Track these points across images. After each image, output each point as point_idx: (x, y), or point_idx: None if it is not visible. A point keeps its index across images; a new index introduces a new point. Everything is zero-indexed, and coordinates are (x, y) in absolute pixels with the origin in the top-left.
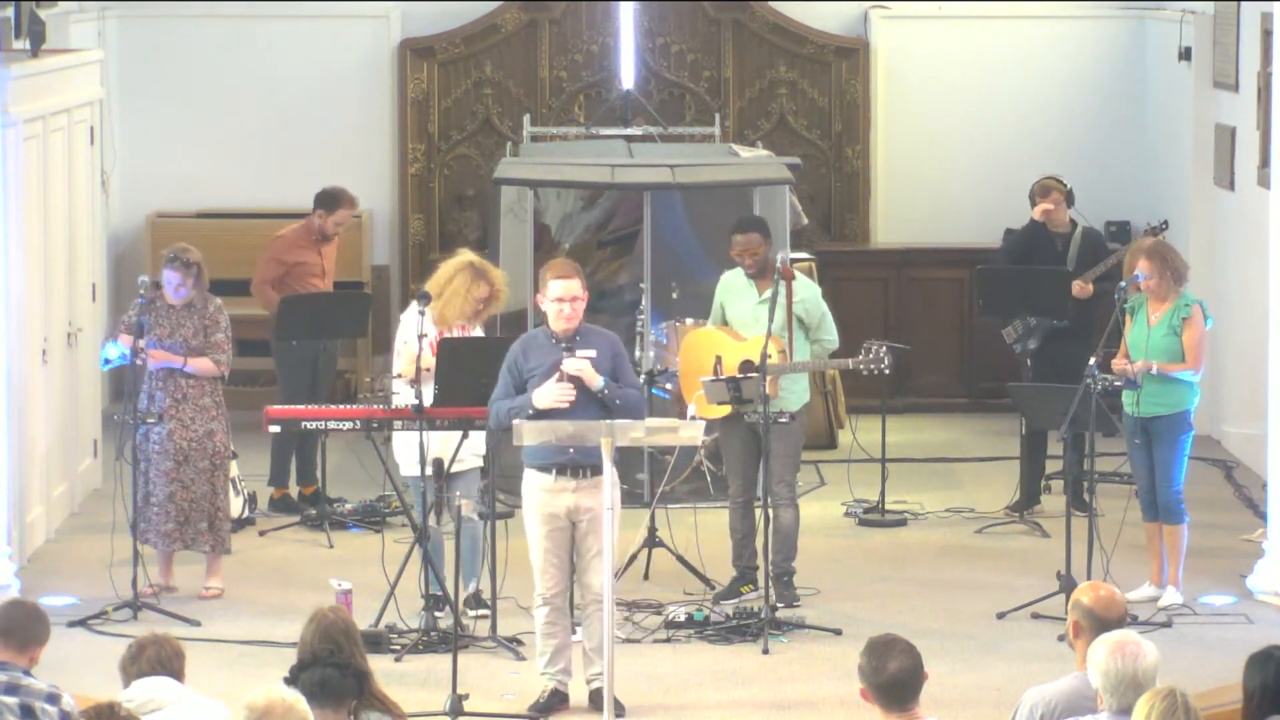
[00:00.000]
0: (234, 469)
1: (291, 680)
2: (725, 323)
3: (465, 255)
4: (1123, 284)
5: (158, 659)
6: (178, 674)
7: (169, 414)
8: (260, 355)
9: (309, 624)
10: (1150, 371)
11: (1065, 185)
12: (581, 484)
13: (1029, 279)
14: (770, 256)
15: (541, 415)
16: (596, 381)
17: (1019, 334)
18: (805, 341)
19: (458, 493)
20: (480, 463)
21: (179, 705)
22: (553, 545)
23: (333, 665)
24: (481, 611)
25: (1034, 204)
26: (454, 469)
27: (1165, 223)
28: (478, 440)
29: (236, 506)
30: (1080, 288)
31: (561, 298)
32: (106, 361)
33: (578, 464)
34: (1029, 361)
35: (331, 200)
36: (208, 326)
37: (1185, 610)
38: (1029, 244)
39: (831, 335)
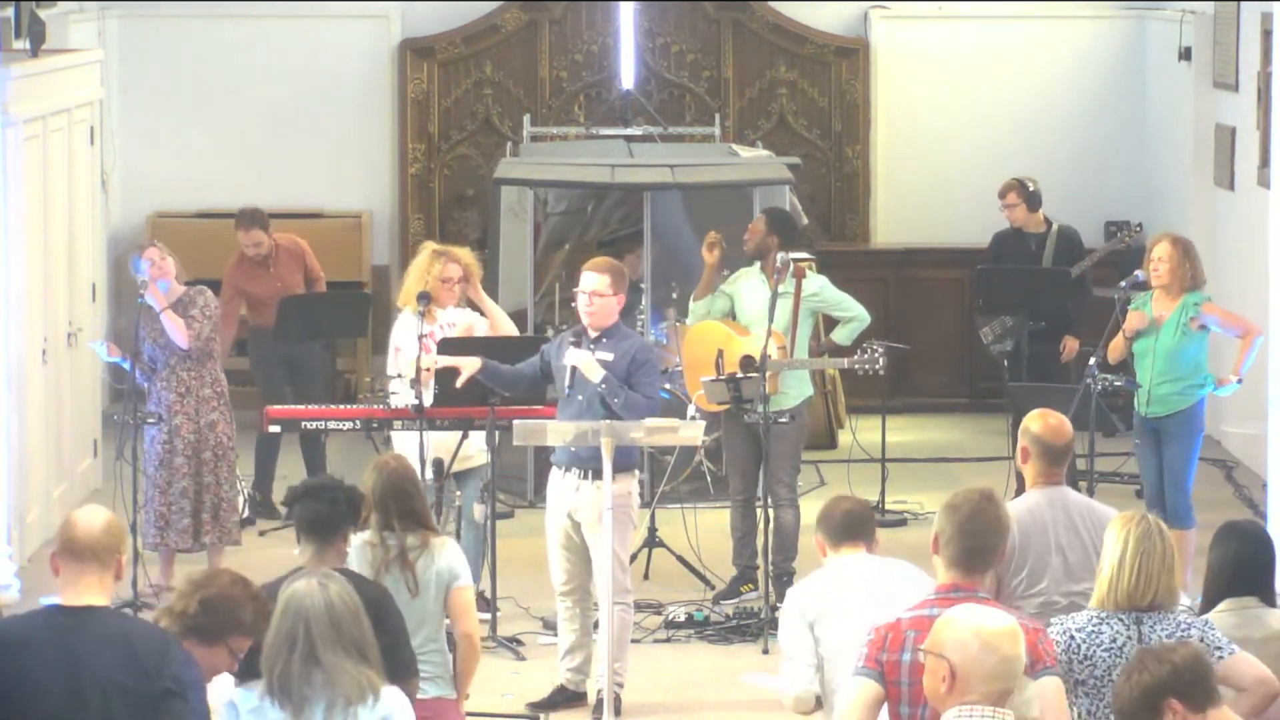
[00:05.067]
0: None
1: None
2: (733, 316)
3: (427, 244)
4: (1123, 284)
5: None
6: None
7: (174, 409)
8: None
9: (372, 472)
10: (1238, 380)
11: (1028, 185)
12: (583, 484)
13: (1029, 279)
14: (769, 251)
15: (557, 407)
16: (594, 375)
17: (995, 334)
18: (808, 338)
19: (457, 492)
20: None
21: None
22: (562, 540)
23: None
24: (483, 616)
25: (1001, 209)
26: (465, 465)
27: (1140, 225)
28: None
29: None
30: (1071, 347)
31: (583, 290)
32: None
33: (580, 464)
34: (1005, 362)
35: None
36: (186, 304)
37: (1192, 613)
38: (1005, 246)
39: (856, 311)
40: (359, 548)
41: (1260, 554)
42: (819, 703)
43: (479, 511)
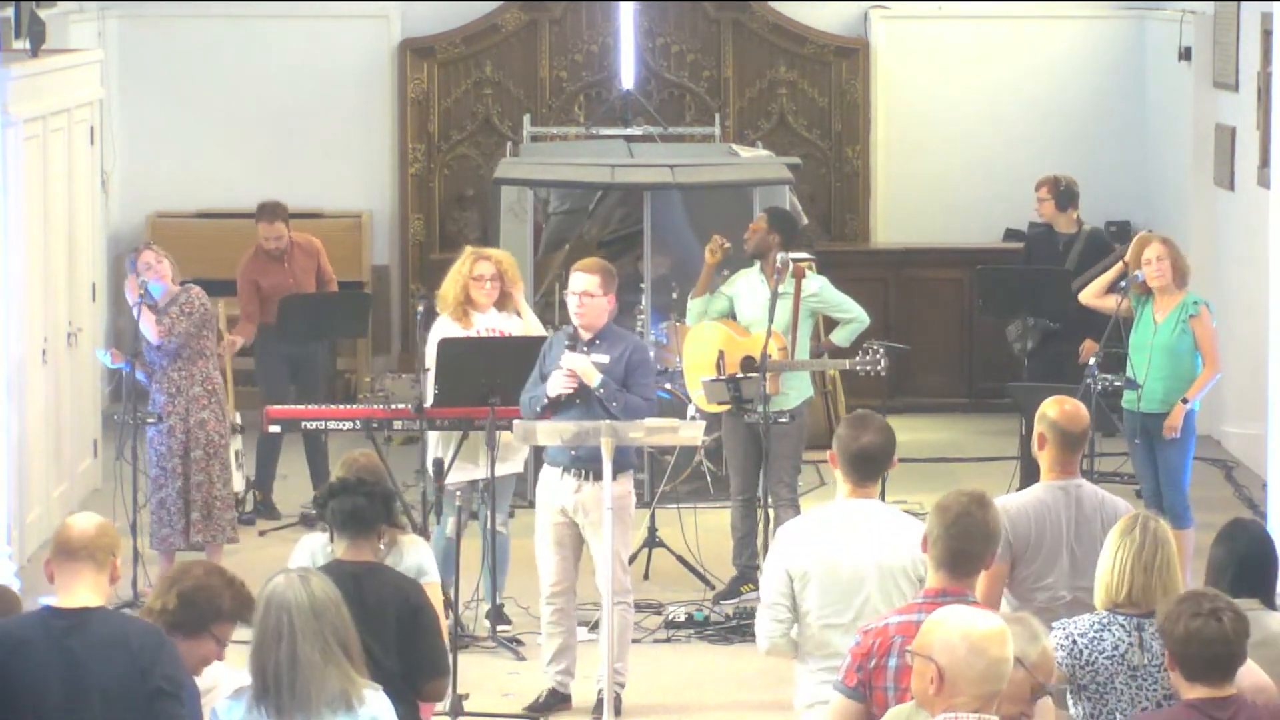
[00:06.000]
0: (237, 442)
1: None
2: (732, 317)
3: (467, 246)
4: (1122, 284)
5: None
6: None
7: (166, 410)
8: None
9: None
10: (1189, 407)
11: (1061, 183)
12: (584, 485)
13: (1029, 279)
14: (770, 250)
15: (554, 409)
16: (593, 379)
17: (1019, 333)
18: (808, 339)
19: (459, 496)
20: (520, 468)
21: (224, 684)
22: (555, 540)
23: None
24: (504, 627)
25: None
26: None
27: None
28: (518, 450)
29: (238, 483)
30: (1089, 348)
31: (573, 291)
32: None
33: (582, 464)
34: (1026, 361)
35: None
36: (168, 303)
37: None
38: (1035, 245)
39: (856, 312)
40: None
41: (1264, 555)
42: (795, 648)
43: (498, 519)
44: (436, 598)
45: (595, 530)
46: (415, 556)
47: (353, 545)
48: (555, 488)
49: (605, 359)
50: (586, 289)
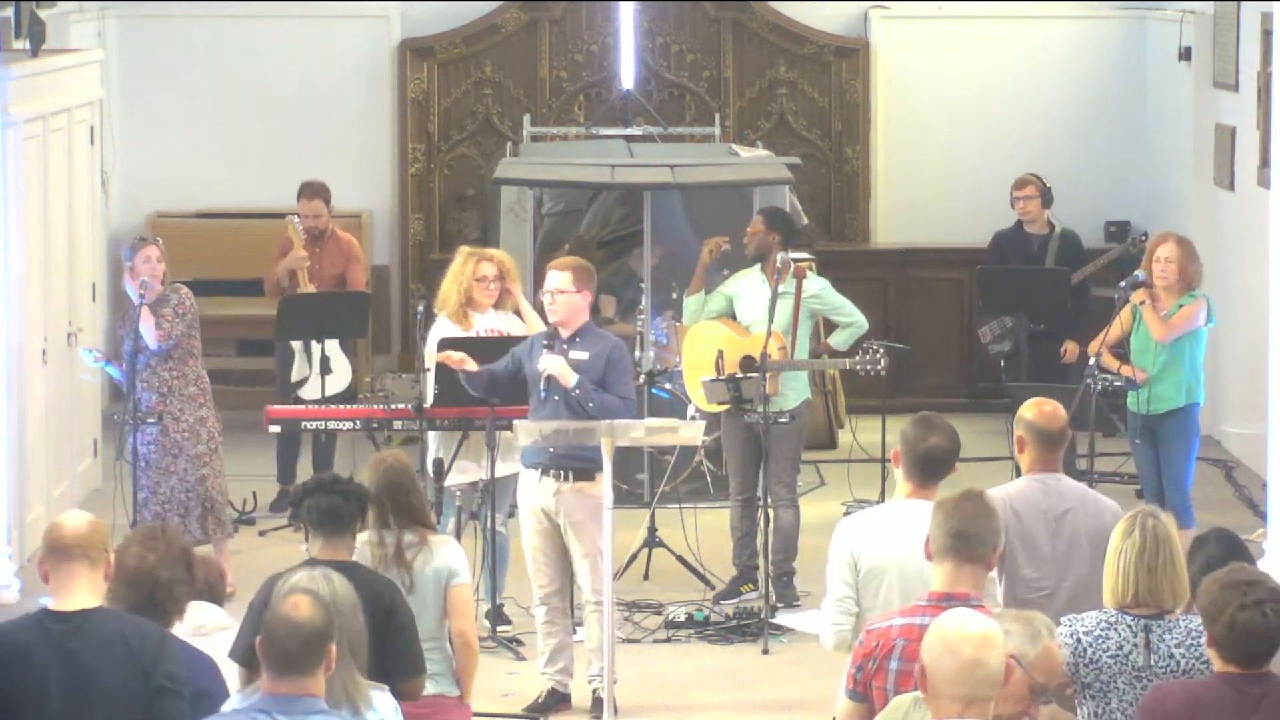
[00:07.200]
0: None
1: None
2: (733, 316)
3: (462, 247)
4: (1123, 284)
5: (205, 581)
6: (220, 598)
7: (157, 408)
8: (261, 355)
9: (369, 470)
10: (1137, 378)
11: (1044, 182)
12: (562, 485)
13: (1029, 279)
14: (771, 250)
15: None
16: (569, 380)
17: (994, 334)
18: (808, 339)
19: (459, 496)
20: (520, 468)
21: (227, 632)
22: (541, 544)
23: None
24: (504, 627)
25: (1013, 202)
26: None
27: (1144, 234)
28: (518, 451)
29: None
30: (1071, 350)
31: (547, 289)
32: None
33: (558, 465)
34: (1002, 363)
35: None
36: (159, 304)
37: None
38: (1007, 246)
39: (855, 316)
40: (358, 546)
41: (1233, 551)
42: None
43: (498, 519)
44: (467, 599)
45: (575, 531)
46: (446, 558)
47: (328, 544)
48: (535, 490)
49: (584, 355)
50: (558, 286)
